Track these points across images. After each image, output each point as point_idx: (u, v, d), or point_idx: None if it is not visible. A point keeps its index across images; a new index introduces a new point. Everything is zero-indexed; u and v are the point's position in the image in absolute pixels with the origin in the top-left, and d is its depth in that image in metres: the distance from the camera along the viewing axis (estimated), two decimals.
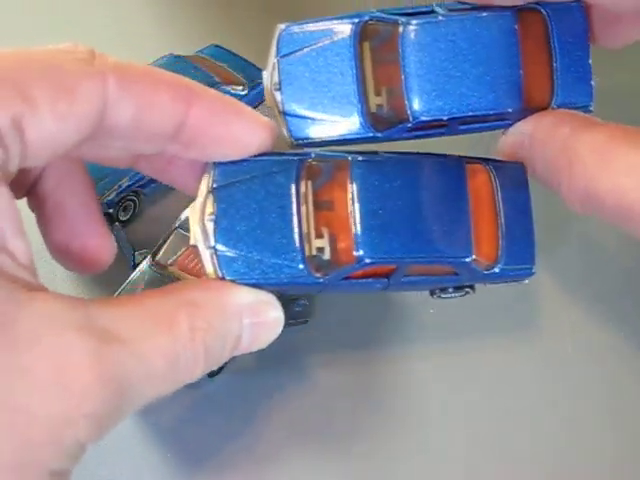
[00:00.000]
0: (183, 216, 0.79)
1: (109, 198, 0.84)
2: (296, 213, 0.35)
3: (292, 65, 0.39)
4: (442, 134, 0.39)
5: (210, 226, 0.35)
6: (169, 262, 0.79)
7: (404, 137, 0.39)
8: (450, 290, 0.41)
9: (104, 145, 0.34)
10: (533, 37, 0.38)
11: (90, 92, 0.31)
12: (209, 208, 0.35)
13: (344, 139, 0.38)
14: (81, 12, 1.07)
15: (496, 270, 0.39)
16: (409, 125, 0.38)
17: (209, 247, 0.35)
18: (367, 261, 0.36)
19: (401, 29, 0.37)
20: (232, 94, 0.98)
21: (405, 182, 0.37)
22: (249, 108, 0.36)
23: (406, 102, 0.37)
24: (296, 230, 0.35)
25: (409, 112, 0.38)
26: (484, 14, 0.37)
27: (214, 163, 0.36)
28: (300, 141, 0.39)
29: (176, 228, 0.79)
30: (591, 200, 0.34)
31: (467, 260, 0.37)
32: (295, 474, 0.67)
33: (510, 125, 0.39)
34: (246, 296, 0.34)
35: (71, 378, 0.28)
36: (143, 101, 0.33)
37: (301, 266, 0.35)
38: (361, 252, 0.36)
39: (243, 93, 1.03)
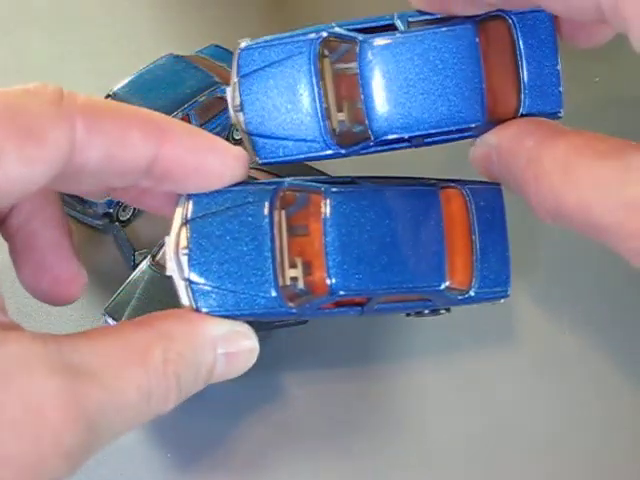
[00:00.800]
0: None
1: (109, 198, 0.84)
2: (270, 244, 0.35)
3: (253, 85, 0.39)
4: (408, 147, 0.38)
5: (184, 259, 0.35)
6: None
7: (369, 152, 0.38)
8: (426, 312, 0.41)
9: (75, 180, 0.34)
10: (498, 46, 0.37)
11: (58, 137, 0.31)
12: (183, 241, 0.35)
13: (309, 157, 0.38)
14: (81, 12, 1.07)
15: (471, 294, 0.39)
16: (371, 143, 0.38)
17: (184, 279, 0.35)
18: (340, 293, 0.36)
19: (358, 48, 0.36)
20: None
21: (379, 212, 0.37)
22: (220, 140, 0.36)
23: (367, 122, 0.37)
24: (269, 261, 0.35)
25: (370, 132, 0.37)
26: (443, 29, 0.36)
27: (187, 195, 0.36)
28: (266, 160, 0.39)
29: None
30: (560, 216, 0.33)
31: (440, 288, 0.37)
32: (295, 475, 0.67)
33: (477, 136, 0.38)
34: (220, 327, 0.35)
35: (43, 418, 0.28)
36: (113, 141, 0.33)
37: (274, 297, 0.35)
38: (334, 284, 0.36)
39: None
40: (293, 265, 0.36)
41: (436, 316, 0.42)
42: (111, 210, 0.85)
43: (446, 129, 0.37)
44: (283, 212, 0.36)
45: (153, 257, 0.80)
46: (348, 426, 0.70)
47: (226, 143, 0.36)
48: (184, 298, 0.36)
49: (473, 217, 0.39)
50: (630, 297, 0.76)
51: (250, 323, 0.68)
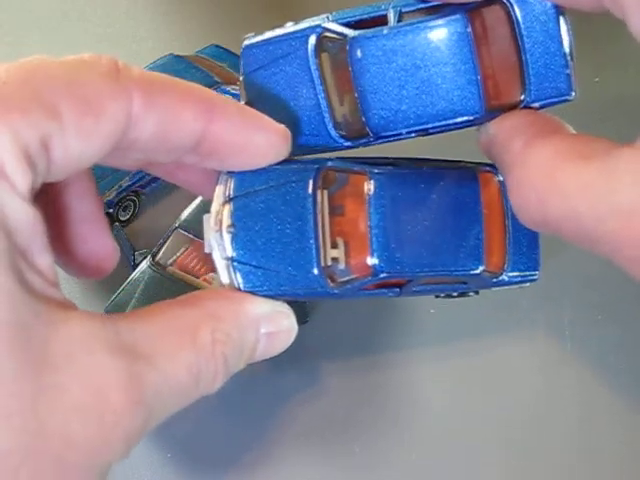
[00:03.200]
0: (183, 216, 0.79)
1: (109, 198, 0.84)
2: (313, 224, 0.35)
3: (257, 82, 0.39)
4: (413, 137, 0.38)
5: (227, 237, 0.35)
6: (169, 262, 0.79)
7: (372, 144, 0.38)
8: (455, 294, 0.41)
9: (122, 155, 0.34)
10: (497, 32, 0.36)
11: (115, 110, 0.30)
12: (226, 219, 0.35)
13: (313, 150, 0.38)
14: (81, 12, 1.07)
15: (504, 278, 0.39)
16: (371, 139, 0.37)
17: (225, 258, 0.35)
18: (383, 275, 0.36)
19: (348, 46, 0.36)
20: (232, 94, 0.98)
21: (421, 195, 0.36)
22: (267, 118, 0.35)
23: (363, 119, 0.37)
24: (312, 241, 0.35)
25: (367, 129, 0.37)
26: (431, 23, 0.35)
27: (229, 172, 0.36)
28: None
29: (176, 228, 0.79)
30: (547, 224, 0.31)
31: (477, 272, 0.37)
32: (296, 474, 0.67)
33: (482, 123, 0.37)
34: (263, 307, 0.35)
35: (106, 401, 0.28)
36: (167, 116, 0.32)
37: (317, 277, 0.35)
38: (378, 266, 0.35)
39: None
40: (334, 245, 0.36)
41: (464, 297, 0.41)
42: (111, 210, 0.85)
43: (445, 122, 0.36)
44: (325, 192, 0.36)
45: (153, 257, 0.80)
46: (349, 425, 0.70)
47: (272, 121, 0.35)
48: (224, 277, 0.35)
49: (507, 202, 0.38)
50: (630, 297, 0.76)
51: None
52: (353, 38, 0.36)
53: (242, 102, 0.40)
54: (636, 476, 0.67)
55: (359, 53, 0.36)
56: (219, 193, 0.36)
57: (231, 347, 0.33)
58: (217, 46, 0.95)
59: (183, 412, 0.75)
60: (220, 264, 0.35)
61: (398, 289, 0.37)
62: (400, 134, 0.37)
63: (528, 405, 0.71)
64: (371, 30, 0.36)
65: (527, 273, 0.40)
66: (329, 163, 0.37)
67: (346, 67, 0.36)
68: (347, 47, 0.36)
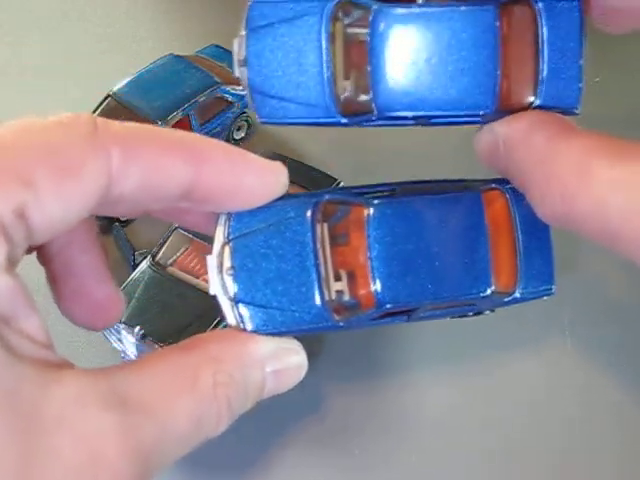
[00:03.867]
0: None
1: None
2: (314, 259, 0.35)
3: (260, 41, 0.38)
4: (412, 124, 0.37)
5: (229, 280, 0.35)
6: (169, 262, 0.79)
7: (371, 125, 0.37)
8: (470, 314, 0.40)
9: (111, 207, 0.33)
10: (520, 32, 0.35)
11: (94, 171, 0.30)
12: (227, 261, 0.35)
13: (308, 122, 0.37)
14: (81, 12, 1.07)
15: (516, 295, 0.38)
16: (374, 118, 0.36)
17: (229, 299, 0.35)
18: (388, 306, 0.35)
19: (371, 17, 0.34)
20: (232, 94, 0.98)
21: (422, 222, 0.36)
22: (259, 158, 0.35)
23: (371, 95, 0.35)
24: (314, 276, 0.35)
25: (374, 106, 0.36)
26: (463, 8, 0.34)
27: (228, 213, 0.36)
28: (265, 120, 0.37)
29: (176, 228, 0.79)
30: (569, 221, 0.31)
31: (486, 294, 0.37)
32: (295, 476, 0.67)
33: (485, 123, 0.36)
34: (268, 345, 0.34)
35: (101, 458, 0.27)
36: (150, 168, 0.32)
37: (321, 312, 0.35)
38: (381, 297, 0.35)
39: (243, 93, 1.03)
40: (338, 278, 0.36)
41: (479, 316, 0.41)
42: None
43: (453, 113, 0.35)
44: (325, 225, 0.36)
45: (153, 257, 0.80)
46: (349, 427, 0.70)
47: (265, 161, 0.35)
48: (230, 318, 0.35)
49: (516, 218, 0.38)
50: (630, 297, 0.76)
51: None
52: (378, 9, 0.35)
53: (238, 58, 0.39)
54: (637, 476, 0.67)
55: (382, 26, 0.35)
56: (219, 234, 0.36)
57: (234, 389, 0.33)
58: (217, 46, 0.95)
59: None
60: (225, 305, 0.35)
61: (406, 317, 0.37)
62: (405, 117, 0.36)
63: (528, 406, 0.71)
64: (399, 5, 0.35)
65: (541, 288, 0.39)
66: (326, 196, 0.37)
67: (361, 39, 0.35)
68: (370, 18, 0.35)
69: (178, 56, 0.90)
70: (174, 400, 0.30)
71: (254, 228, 0.35)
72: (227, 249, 0.35)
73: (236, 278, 0.35)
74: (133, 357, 0.72)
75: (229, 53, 0.94)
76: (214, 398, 0.31)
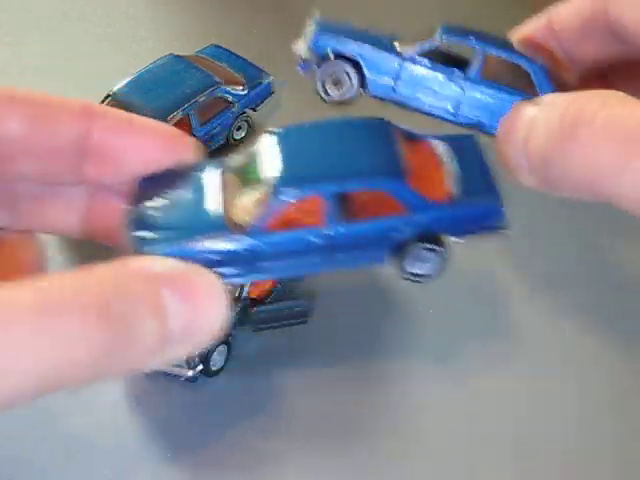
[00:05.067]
0: None
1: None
2: (218, 193, 0.35)
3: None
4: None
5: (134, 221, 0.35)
6: None
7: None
8: (415, 254, 0.37)
9: (9, 157, 0.34)
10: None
11: None
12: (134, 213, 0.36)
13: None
14: (81, 12, 1.07)
15: (460, 209, 0.35)
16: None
17: (130, 235, 0.35)
18: (282, 197, 0.33)
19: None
20: (232, 94, 0.98)
21: (325, 136, 0.36)
22: (154, 121, 0.37)
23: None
24: (216, 201, 0.35)
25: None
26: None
27: (139, 178, 0.37)
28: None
29: None
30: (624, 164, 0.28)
31: (401, 181, 0.35)
32: (295, 475, 0.68)
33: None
34: (159, 264, 0.31)
35: None
36: (35, 112, 0.33)
37: (221, 225, 0.34)
38: (277, 185, 0.33)
39: (243, 93, 1.03)
40: (236, 198, 0.36)
41: (425, 278, 0.38)
42: None
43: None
44: (230, 176, 0.37)
45: None
46: (349, 426, 0.70)
47: (161, 124, 0.36)
48: (130, 248, 0.36)
49: (443, 154, 0.37)
50: (629, 297, 0.76)
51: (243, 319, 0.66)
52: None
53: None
54: (636, 476, 0.67)
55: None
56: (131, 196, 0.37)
57: (117, 307, 0.29)
58: (217, 46, 0.95)
59: (183, 412, 0.76)
60: (127, 238, 0.35)
61: (325, 232, 0.35)
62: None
63: (527, 405, 0.71)
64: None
65: (487, 201, 0.36)
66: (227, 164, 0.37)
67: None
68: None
69: (178, 56, 0.90)
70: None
71: (162, 190, 0.36)
72: (135, 207, 0.35)
73: (138, 224, 0.35)
74: None
75: (229, 53, 0.94)
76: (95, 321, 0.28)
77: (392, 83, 0.40)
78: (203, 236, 0.33)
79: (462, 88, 0.39)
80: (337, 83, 0.41)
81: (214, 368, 0.74)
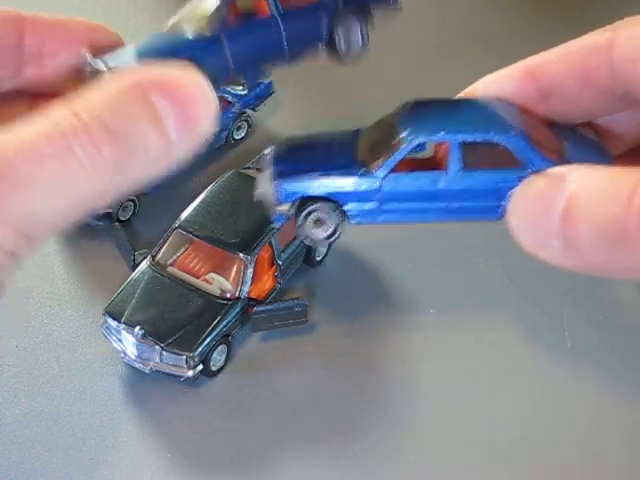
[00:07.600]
0: (183, 216, 0.79)
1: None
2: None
3: None
4: None
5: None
6: (169, 262, 0.79)
7: None
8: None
9: None
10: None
11: None
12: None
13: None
14: (81, 12, 1.07)
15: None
16: None
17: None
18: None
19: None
20: (232, 94, 0.98)
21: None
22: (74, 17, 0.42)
23: None
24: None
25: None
26: None
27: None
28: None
29: (176, 228, 0.79)
30: None
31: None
32: (295, 475, 0.68)
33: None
34: (145, 73, 0.31)
35: None
36: None
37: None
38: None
39: (243, 93, 1.03)
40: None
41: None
42: (111, 210, 0.85)
43: None
44: None
45: (153, 257, 0.80)
46: (349, 426, 0.70)
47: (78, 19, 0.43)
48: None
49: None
50: (629, 297, 0.76)
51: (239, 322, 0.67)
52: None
53: None
54: (638, 476, 0.67)
55: None
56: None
57: (108, 116, 0.30)
58: None
59: (183, 412, 0.75)
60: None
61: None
62: None
63: (528, 405, 0.71)
64: None
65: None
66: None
67: None
68: None
69: None
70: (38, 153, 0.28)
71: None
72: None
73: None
74: (133, 357, 0.72)
75: None
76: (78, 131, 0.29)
77: (375, 205, 0.38)
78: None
79: (449, 186, 0.39)
80: (318, 222, 0.39)
81: (214, 368, 0.74)
